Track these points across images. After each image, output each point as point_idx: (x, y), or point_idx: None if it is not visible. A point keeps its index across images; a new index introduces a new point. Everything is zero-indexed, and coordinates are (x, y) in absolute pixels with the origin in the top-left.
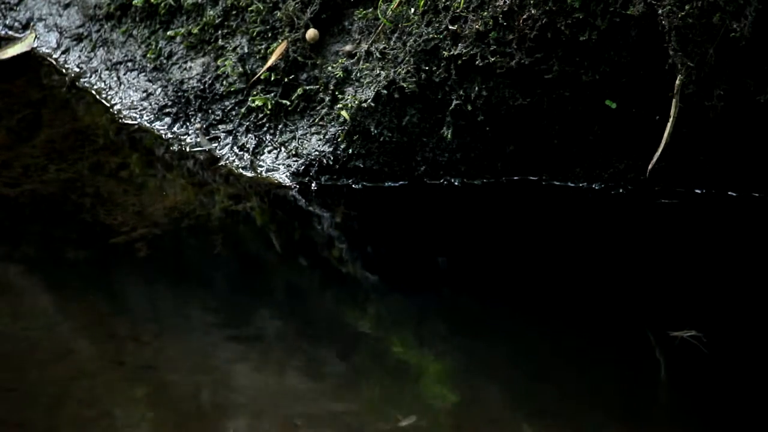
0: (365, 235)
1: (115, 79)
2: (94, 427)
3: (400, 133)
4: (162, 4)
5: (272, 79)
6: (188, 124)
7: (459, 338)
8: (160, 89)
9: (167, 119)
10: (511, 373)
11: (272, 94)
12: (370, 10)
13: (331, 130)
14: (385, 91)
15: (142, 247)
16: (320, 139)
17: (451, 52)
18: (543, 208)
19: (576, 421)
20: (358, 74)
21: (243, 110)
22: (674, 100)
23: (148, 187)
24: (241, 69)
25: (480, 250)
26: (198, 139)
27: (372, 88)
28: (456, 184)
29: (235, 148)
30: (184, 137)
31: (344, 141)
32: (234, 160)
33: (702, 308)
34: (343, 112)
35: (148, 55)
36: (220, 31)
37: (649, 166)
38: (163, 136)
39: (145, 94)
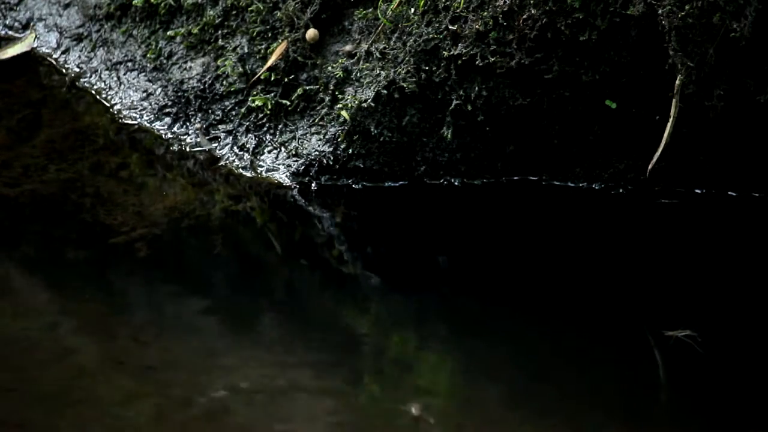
0: (365, 235)
1: (115, 79)
2: (94, 427)
3: (400, 133)
4: (162, 4)
5: (272, 79)
6: (188, 124)
7: (459, 338)
8: (160, 89)
9: (167, 119)
10: (511, 373)
11: (272, 94)
12: (370, 10)
13: (331, 130)
14: (385, 91)
15: (142, 247)
16: (320, 139)
17: (451, 52)
18: (543, 208)
19: (576, 421)
20: (358, 74)
21: (243, 110)
22: (674, 100)
23: (148, 187)
24: (241, 69)
25: (480, 250)
26: (198, 139)
27: (372, 88)
28: (456, 184)
29: (235, 148)
30: (184, 137)
31: (344, 141)
32: (234, 160)
33: (702, 308)
34: (343, 112)
35: (148, 55)
36: (220, 31)
37: (649, 166)
38: (163, 136)
39: (145, 94)
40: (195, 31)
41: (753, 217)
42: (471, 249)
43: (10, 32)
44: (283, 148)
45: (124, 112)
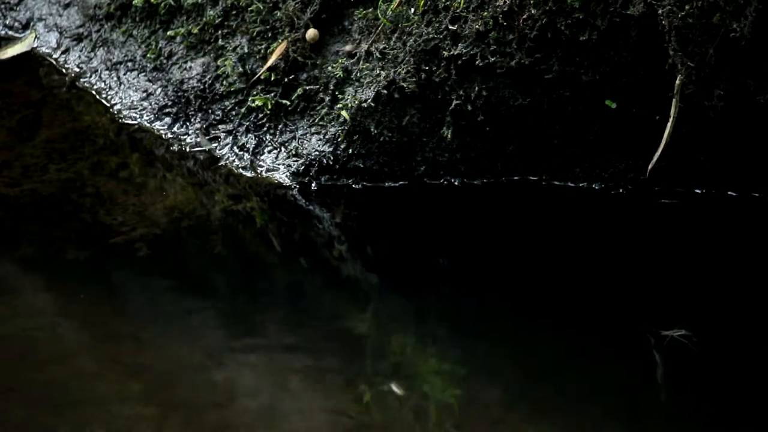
0: (365, 235)
1: (115, 79)
2: (94, 427)
3: (400, 133)
4: (162, 4)
5: (272, 79)
6: (188, 124)
7: (459, 338)
8: (160, 89)
9: (167, 119)
10: (511, 373)
11: (272, 94)
12: (370, 10)
13: (331, 130)
14: (385, 91)
15: (142, 247)
16: (320, 139)
17: (451, 52)
18: (543, 208)
19: (576, 421)
20: (358, 74)
21: (243, 110)
22: (674, 100)
23: (148, 187)
24: (241, 69)
25: (480, 250)
26: (198, 139)
27: (372, 88)
28: (456, 184)
29: (235, 148)
30: (184, 137)
31: (344, 141)
32: (234, 160)
33: (702, 308)
34: (343, 112)
35: (148, 55)
36: (220, 31)
37: (649, 166)
38: (163, 136)
39: (145, 94)
40: (195, 31)
41: (753, 217)
42: (471, 249)
43: (10, 32)
44: (283, 148)
45: (124, 112)
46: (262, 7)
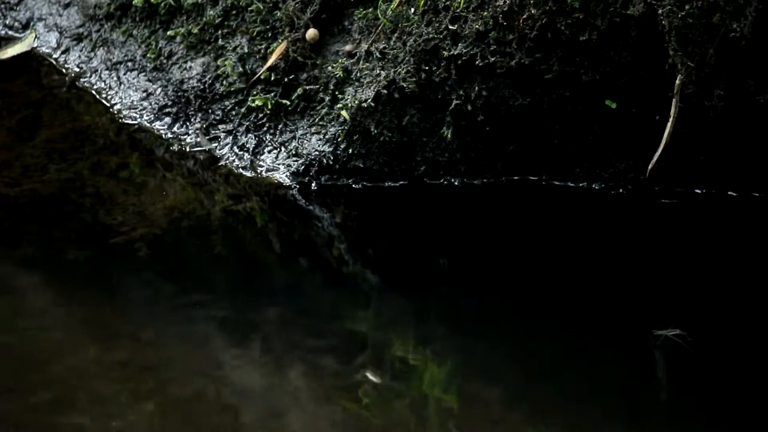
0: (365, 235)
1: (115, 78)
2: (94, 427)
3: (400, 133)
4: (162, 4)
5: (272, 79)
6: (188, 124)
7: (459, 338)
8: (160, 89)
9: (167, 119)
10: (511, 373)
11: (272, 94)
12: (370, 10)
13: (331, 130)
14: (385, 91)
15: (142, 247)
16: (320, 139)
17: (451, 52)
18: (543, 208)
19: (576, 421)
20: (358, 74)
21: (243, 110)
22: (674, 100)
23: (148, 187)
24: (241, 69)
25: (480, 250)
26: (198, 139)
27: (372, 88)
28: (456, 184)
29: (235, 148)
30: (184, 137)
31: (344, 141)
32: (234, 160)
33: (702, 308)
34: (343, 112)
35: (148, 55)
36: (220, 31)
37: (649, 166)
38: (163, 136)
39: (145, 94)
40: (195, 30)
41: (753, 217)
42: (471, 249)
43: (10, 32)
44: (283, 148)
45: (124, 112)
46: (262, 7)
